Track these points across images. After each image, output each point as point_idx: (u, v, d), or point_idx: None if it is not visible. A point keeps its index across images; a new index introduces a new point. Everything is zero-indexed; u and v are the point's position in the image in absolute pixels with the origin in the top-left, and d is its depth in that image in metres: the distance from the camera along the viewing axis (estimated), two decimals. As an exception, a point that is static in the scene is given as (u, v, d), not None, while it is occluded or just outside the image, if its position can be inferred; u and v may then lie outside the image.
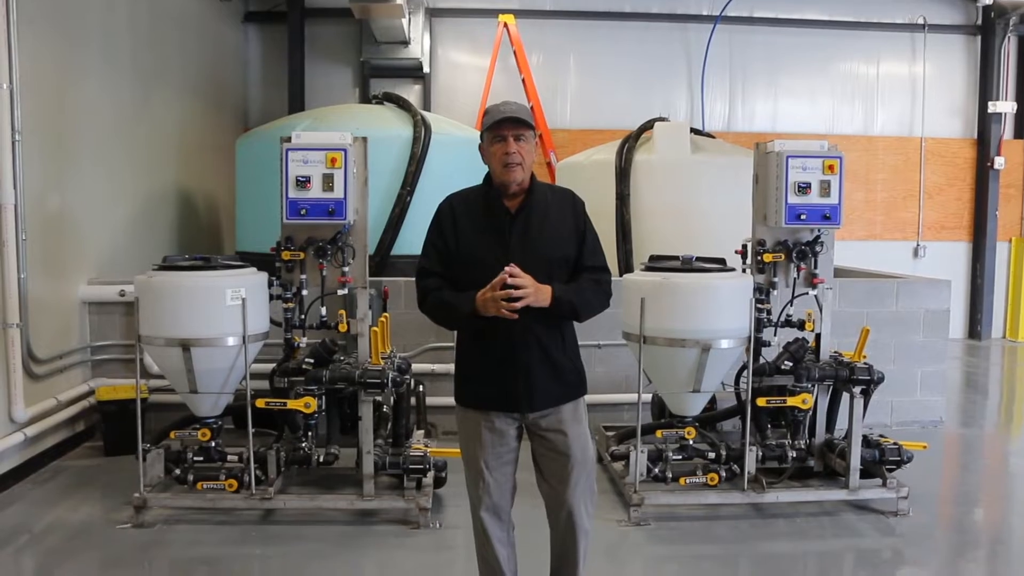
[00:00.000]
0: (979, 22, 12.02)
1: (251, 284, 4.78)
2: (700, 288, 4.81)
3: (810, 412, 5.19)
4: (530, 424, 3.14)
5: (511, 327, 2.97)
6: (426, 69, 11.22)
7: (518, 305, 2.89)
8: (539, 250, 3.00)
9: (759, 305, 5.09)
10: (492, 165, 3.07)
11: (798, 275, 5.19)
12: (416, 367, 6.03)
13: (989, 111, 11.83)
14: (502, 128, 3.01)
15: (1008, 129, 12.13)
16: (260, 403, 4.76)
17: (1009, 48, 12.07)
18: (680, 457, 5.06)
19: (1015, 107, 11.97)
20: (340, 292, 4.97)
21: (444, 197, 3.24)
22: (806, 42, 11.80)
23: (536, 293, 2.92)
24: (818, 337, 5.26)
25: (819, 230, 5.15)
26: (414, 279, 3.22)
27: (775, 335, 5.24)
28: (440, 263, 3.11)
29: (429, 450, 4.94)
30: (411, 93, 11.04)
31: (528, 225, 3.05)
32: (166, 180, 8.24)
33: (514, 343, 3.02)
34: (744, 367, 5.10)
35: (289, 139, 4.86)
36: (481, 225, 3.07)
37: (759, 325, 5.09)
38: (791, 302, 5.21)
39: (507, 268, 2.89)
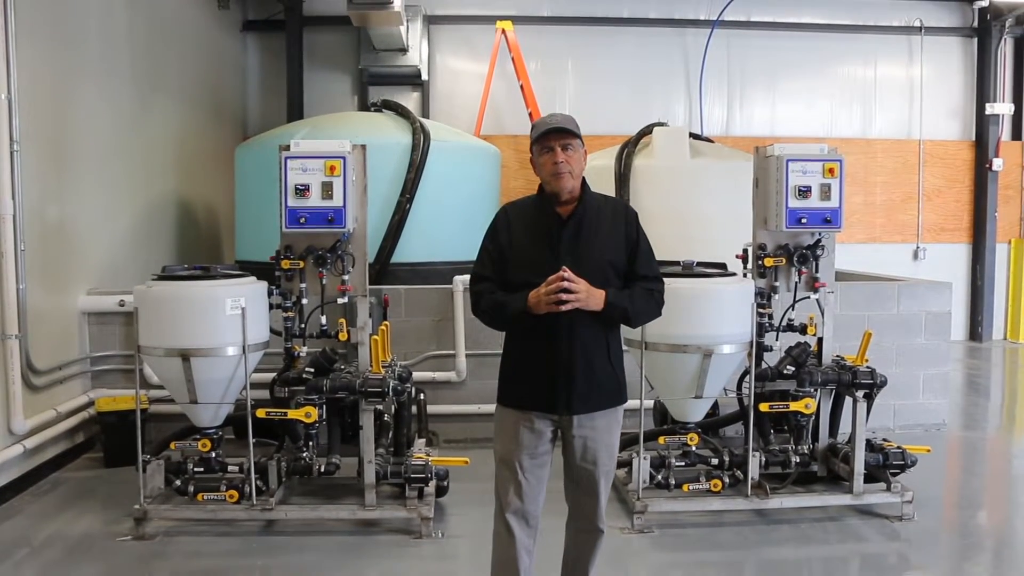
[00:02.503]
0: (975, 24, 12.04)
1: (251, 293, 4.78)
2: (701, 293, 4.81)
3: (813, 417, 5.17)
4: (565, 427, 3.17)
5: (558, 331, 3.05)
6: (424, 76, 11.22)
7: (567, 307, 2.97)
8: (589, 255, 3.09)
9: (760, 310, 5.08)
10: (542, 175, 3.18)
11: (799, 279, 5.19)
12: (417, 375, 6.02)
13: (987, 113, 11.84)
14: (549, 139, 3.12)
15: (1006, 130, 12.13)
16: (260, 413, 4.73)
17: (1005, 50, 12.09)
18: (683, 463, 5.04)
19: (1012, 108, 11.98)
20: (340, 301, 4.96)
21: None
22: (803, 46, 11.81)
23: (588, 297, 3.00)
24: (820, 341, 5.25)
25: (820, 233, 5.14)
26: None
27: (777, 339, 5.22)
28: (492, 269, 3.19)
29: (431, 459, 4.92)
30: (410, 100, 11.04)
31: (579, 230, 3.13)
32: (165, 189, 8.23)
33: (559, 346, 3.08)
34: (746, 372, 5.08)
35: (288, 147, 4.85)
36: (533, 230, 3.17)
37: (761, 330, 5.08)
38: (793, 306, 5.20)
39: (562, 271, 2.96)
